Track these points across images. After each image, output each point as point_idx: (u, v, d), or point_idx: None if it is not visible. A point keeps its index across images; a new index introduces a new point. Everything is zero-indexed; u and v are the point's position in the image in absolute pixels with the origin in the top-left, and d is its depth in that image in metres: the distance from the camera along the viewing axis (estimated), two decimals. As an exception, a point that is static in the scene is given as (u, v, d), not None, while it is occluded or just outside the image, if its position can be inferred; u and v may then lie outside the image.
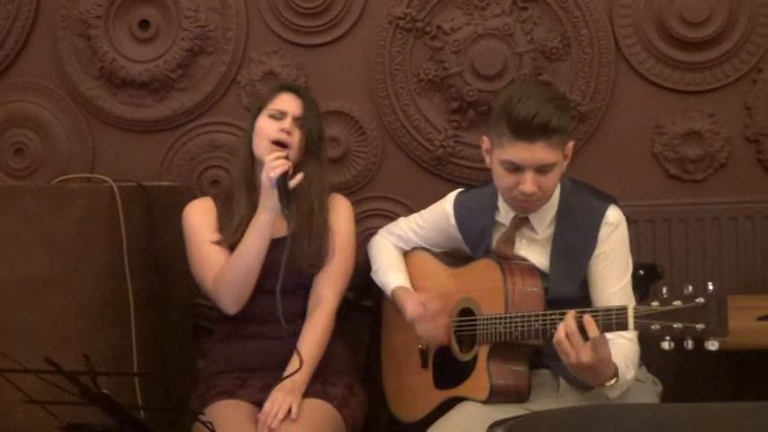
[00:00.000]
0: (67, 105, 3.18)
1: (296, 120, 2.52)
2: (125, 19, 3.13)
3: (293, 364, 2.39)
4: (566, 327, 2.05)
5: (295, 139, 2.50)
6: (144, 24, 3.12)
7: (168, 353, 2.80)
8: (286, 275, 2.34)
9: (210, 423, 2.00)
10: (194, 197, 2.87)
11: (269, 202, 2.42)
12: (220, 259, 2.51)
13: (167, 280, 2.81)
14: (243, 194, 2.55)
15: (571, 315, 2.06)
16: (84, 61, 3.16)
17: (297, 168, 2.46)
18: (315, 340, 2.47)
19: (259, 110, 2.57)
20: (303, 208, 2.52)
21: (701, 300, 1.88)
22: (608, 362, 2.08)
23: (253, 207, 2.50)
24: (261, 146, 2.51)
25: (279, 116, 2.52)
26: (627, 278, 2.31)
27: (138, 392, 2.50)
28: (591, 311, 2.05)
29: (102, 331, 2.51)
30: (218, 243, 2.53)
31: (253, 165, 2.56)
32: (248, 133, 2.57)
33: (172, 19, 3.11)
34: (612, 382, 2.10)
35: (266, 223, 2.44)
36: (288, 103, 2.54)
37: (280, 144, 2.49)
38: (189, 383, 2.64)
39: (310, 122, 2.54)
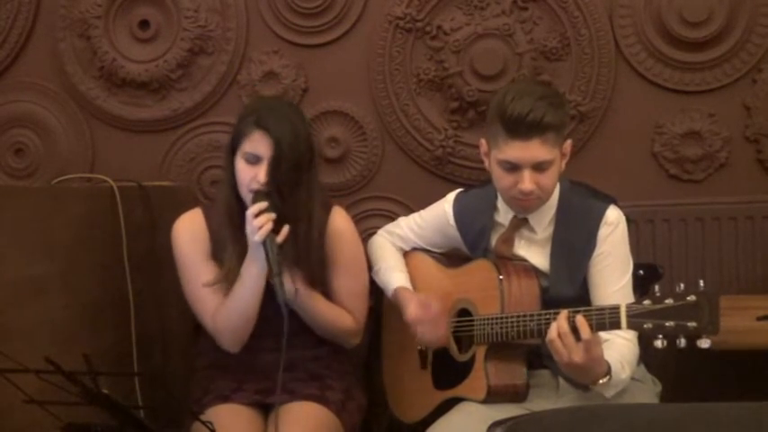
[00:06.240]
0: (67, 105, 3.18)
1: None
2: (125, 19, 3.12)
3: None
4: (558, 327, 2.05)
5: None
6: (144, 24, 3.12)
7: (168, 353, 2.79)
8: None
9: (210, 423, 2.00)
10: (194, 197, 2.87)
11: (258, 257, 2.31)
12: (216, 298, 2.41)
13: (167, 280, 2.80)
14: (229, 234, 2.41)
15: (563, 315, 2.06)
16: (85, 61, 3.16)
17: (282, 198, 2.33)
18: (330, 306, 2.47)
19: (236, 144, 2.38)
20: (295, 231, 2.37)
21: (692, 297, 1.89)
22: (600, 361, 2.08)
23: (240, 245, 2.37)
24: (243, 191, 2.38)
25: (253, 160, 2.34)
26: (626, 278, 2.31)
27: (138, 392, 2.50)
28: (584, 311, 2.06)
29: (102, 331, 2.51)
30: (211, 284, 2.42)
31: (237, 198, 2.41)
32: (228, 169, 2.41)
33: (172, 19, 3.10)
34: (605, 380, 2.10)
35: (257, 275, 2.34)
36: (261, 144, 2.33)
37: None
38: (189, 383, 2.63)
39: (287, 161, 2.32)
